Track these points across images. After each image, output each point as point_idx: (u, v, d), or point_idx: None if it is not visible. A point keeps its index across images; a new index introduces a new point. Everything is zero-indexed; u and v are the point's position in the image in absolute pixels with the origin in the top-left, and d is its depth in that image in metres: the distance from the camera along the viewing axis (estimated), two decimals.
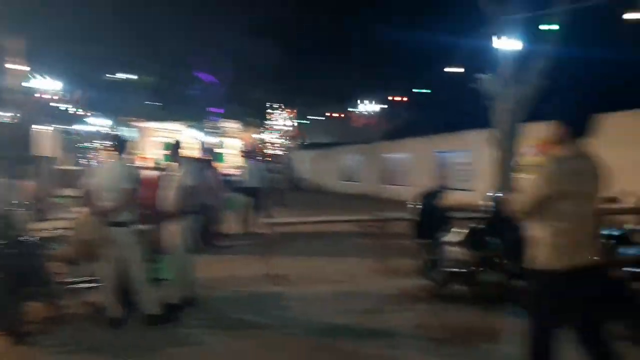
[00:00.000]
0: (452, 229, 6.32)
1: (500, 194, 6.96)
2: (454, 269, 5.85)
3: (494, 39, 10.21)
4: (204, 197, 8.73)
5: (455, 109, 18.39)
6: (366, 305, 6.03)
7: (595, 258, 3.11)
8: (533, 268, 3.13)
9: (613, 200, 5.14)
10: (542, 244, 3.08)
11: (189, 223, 5.97)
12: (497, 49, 10.34)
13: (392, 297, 6.32)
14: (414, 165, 21.43)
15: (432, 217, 6.24)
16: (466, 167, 17.49)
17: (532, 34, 10.15)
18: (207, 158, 11.20)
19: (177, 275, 5.86)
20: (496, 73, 10.54)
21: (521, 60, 10.27)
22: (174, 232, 5.84)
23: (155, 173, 10.45)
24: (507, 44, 10.07)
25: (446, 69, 14.76)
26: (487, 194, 6.86)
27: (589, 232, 3.11)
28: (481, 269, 5.87)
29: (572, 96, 3.34)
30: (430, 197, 6.64)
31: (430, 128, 20.32)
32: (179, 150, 6.24)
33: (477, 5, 10.36)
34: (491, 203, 6.28)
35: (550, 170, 3.05)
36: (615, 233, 4.88)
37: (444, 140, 19.23)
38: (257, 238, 9.86)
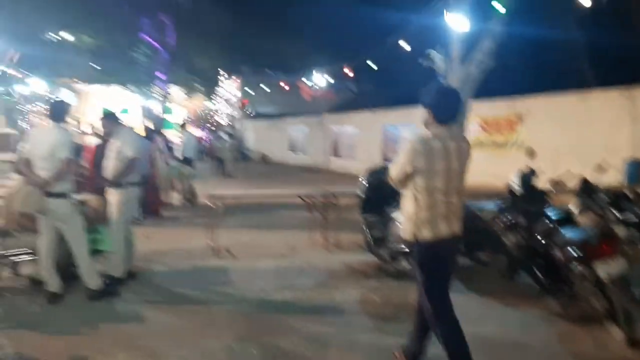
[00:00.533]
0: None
1: None
2: (402, 246, 5.89)
3: (445, 15, 10.24)
4: (145, 167, 8.46)
5: (405, 84, 18.50)
6: (311, 280, 6.01)
7: (455, 230, 3.48)
8: (404, 238, 3.56)
9: (557, 183, 5.28)
10: (408, 217, 3.48)
11: (129, 193, 5.73)
12: (447, 26, 10.39)
13: (337, 272, 6.33)
14: (362, 139, 21.54)
15: (381, 192, 6.22)
16: None
17: (482, 12, 10.24)
18: (150, 125, 10.81)
19: (117, 247, 5.65)
20: (445, 50, 10.62)
21: (470, 38, 10.37)
22: (113, 203, 5.61)
23: (94, 140, 10.06)
24: (456, 21, 10.12)
25: (397, 43, 14.74)
26: None
27: (450, 206, 3.44)
28: None
29: (437, 86, 3.81)
30: (379, 173, 6.63)
31: (378, 102, 20.42)
32: (118, 119, 5.95)
33: None
34: None
35: (409, 148, 3.39)
36: (557, 214, 5.04)
37: (392, 115, 19.37)
38: (199, 209, 9.67)
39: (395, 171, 3.51)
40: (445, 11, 10.25)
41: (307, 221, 7.92)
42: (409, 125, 17.89)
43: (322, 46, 25.91)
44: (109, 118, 5.95)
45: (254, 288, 5.65)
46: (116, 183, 5.61)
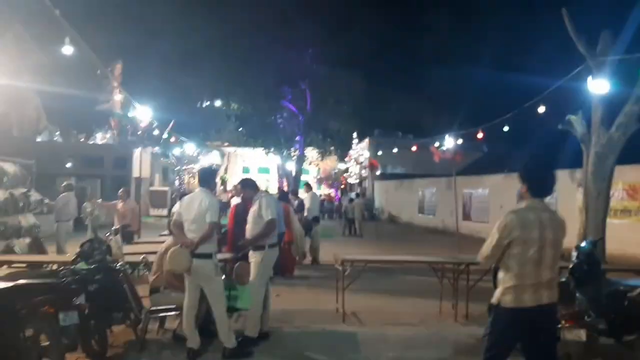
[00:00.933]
0: None
1: (588, 242, 6.58)
2: None
3: (588, 80, 9.80)
4: (282, 227, 8.95)
5: (539, 147, 17.71)
6: (440, 353, 5.86)
7: (550, 299, 3.56)
8: (494, 303, 3.63)
9: None
10: (501, 284, 3.58)
11: (269, 255, 6.09)
12: (587, 90, 9.92)
13: (467, 346, 6.10)
14: (494, 202, 20.74)
15: None
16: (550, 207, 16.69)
17: (625, 76, 9.68)
18: (286, 186, 11.46)
19: (256, 307, 5.94)
20: (586, 115, 10.13)
21: (613, 102, 9.80)
22: (254, 264, 5.98)
23: (237, 200, 10.86)
24: (598, 85, 9.64)
25: (531, 106, 14.31)
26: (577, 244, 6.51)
27: (542, 277, 3.52)
28: (565, 324, 5.54)
29: (534, 160, 4.18)
30: None
31: (511, 164, 19.66)
32: (255, 185, 6.42)
33: (569, 46, 10.04)
34: (578, 252, 5.96)
35: (504, 223, 3.54)
36: None
37: None
38: (327, 269, 9.89)
39: (488, 249, 3.60)
40: (589, 77, 9.80)
41: (436, 288, 7.76)
42: None
43: (453, 108, 25.84)
44: (246, 184, 6.45)
45: (382, 358, 5.63)
46: (257, 246, 6.02)
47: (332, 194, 40.09)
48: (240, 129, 30.42)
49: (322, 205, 16.96)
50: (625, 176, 12.37)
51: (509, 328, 3.55)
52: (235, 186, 13.68)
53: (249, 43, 24.09)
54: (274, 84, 25.62)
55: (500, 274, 3.61)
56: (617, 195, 13.24)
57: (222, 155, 40.33)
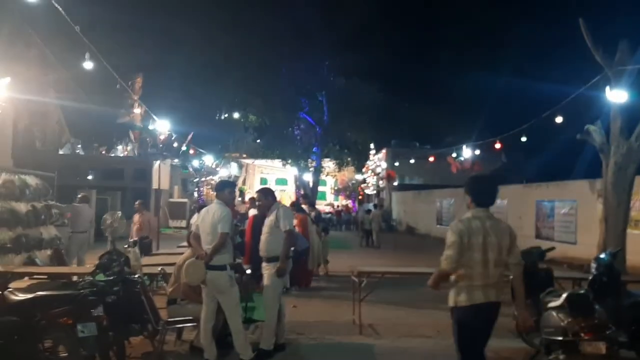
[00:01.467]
0: (554, 291, 5.98)
1: (608, 253, 6.49)
2: (554, 337, 5.49)
3: (607, 90, 9.70)
4: (303, 240, 8.98)
5: (558, 157, 17.54)
6: None
7: (497, 298, 4.01)
8: (452, 306, 4.07)
9: None
10: (454, 287, 3.99)
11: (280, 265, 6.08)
12: (606, 100, 9.82)
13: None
14: (513, 213, 20.54)
15: (532, 277, 5.91)
16: (570, 217, 16.48)
17: None
18: (303, 199, 11.50)
19: (271, 319, 5.93)
20: (605, 124, 10.02)
21: (634, 112, 9.68)
22: (267, 275, 5.99)
23: (254, 212, 10.92)
24: (617, 95, 9.53)
25: (551, 116, 14.20)
26: (597, 255, 6.42)
27: (488, 277, 3.95)
28: (585, 337, 5.45)
29: (475, 175, 4.74)
30: (532, 255, 6.33)
31: (530, 175, 19.49)
32: (272, 194, 6.45)
33: (587, 56, 9.96)
34: (597, 263, 5.89)
35: (453, 230, 3.99)
36: None
37: (544, 189, 18.33)
38: (343, 281, 9.88)
39: (449, 251, 3.93)
40: (607, 87, 9.70)
41: None
42: (564, 200, 16.77)
43: (471, 118, 25.70)
44: (266, 192, 6.48)
45: None
46: (270, 257, 6.03)
47: (350, 205, 40.02)
48: (258, 140, 30.68)
49: (321, 219, 16.11)
50: None
51: (469, 325, 3.99)
52: (252, 198, 13.75)
53: (266, 55, 24.34)
54: (291, 96, 25.81)
55: (452, 277, 3.99)
56: (638, 205, 13.02)
57: (240, 166, 40.59)
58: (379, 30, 25.47)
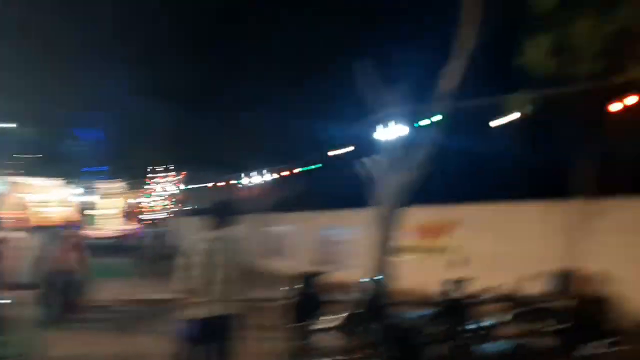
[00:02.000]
0: (326, 314, 6.17)
1: (375, 278, 6.99)
2: (327, 357, 5.63)
3: (378, 127, 10.72)
4: (60, 266, 7.93)
5: (339, 187, 18.84)
6: None
7: (221, 312, 4.48)
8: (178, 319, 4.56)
9: (475, 296, 5.38)
10: (183, 302, 4.45)
11: (39, 295, 5.33)
12: (376, 137, 10.87)
13: None
14: (297, 240, 21.41)
15: (307, 300, 6.04)
16: (347, 245, 17.76)
17: (412, 125, 10.79)
18: (70, 222, 10.35)
19: (28, 352, 5.14)
20: (378, 157, 11.01)
21: (403, 147, 10.80)
22: (23, 305, 5.19)
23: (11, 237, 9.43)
24: (386, 133, 10.61)
25: (333, 149, 15.27)
26: (362, 279, 6.84)
27: (217, 292, 4.45)
28: (359, 356, 5.70)
29: (216, 200, 5.55)
30: (308, 279, 6.48)
31: (313, 204, 20.60)
32: (29, 219, 5.66)
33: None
34: (368, 287, 6.26)
35: (181, 251, 4.54)
36: (472, 326, 5.03)
37: (325, 217, 19.53)
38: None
39: (176, 275, 4.43)
40: (378, 123, 10.73)
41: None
42: (343, 228, 18.04)
43: (262, 147, 26.31)
44: (22, 218, 5.63)
45: None
46: (25, 284, 5.22)
47: (135, 231, 37.63)
48: (33, 155, 27.21)
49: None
50: (415, 216, 13.54)
51: (190, 336, 4.48)
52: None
53: (45, 63, 21.88)
54: (71, 109, 23.60)
55: (181, 294, 4.47)
56: (408, 234, 14.45)
57: (5, 184, 35.49)
58: (176, 54, 24.80)
